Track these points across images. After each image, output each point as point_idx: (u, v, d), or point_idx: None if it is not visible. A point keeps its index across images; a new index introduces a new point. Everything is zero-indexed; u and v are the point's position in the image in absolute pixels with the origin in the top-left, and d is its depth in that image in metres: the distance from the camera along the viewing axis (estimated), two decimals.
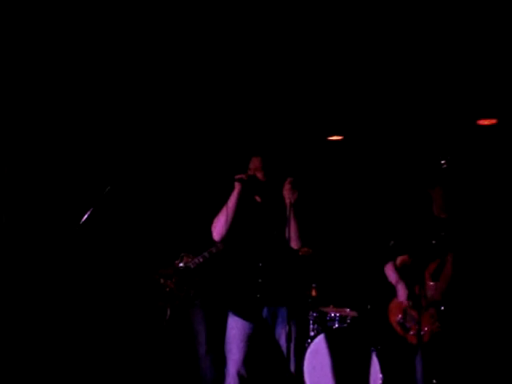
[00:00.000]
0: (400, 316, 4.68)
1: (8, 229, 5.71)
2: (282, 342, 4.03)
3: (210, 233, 4.36)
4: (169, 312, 5.08)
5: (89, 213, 4.71)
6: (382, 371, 4.86)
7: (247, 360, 4.09)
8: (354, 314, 5.66)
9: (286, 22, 4.94)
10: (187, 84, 5.79)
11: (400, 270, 4.88)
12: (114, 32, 4.91)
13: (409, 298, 4.60)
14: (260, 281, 4.04)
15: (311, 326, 5.73)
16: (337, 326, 5.64)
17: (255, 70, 5.61)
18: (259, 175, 4.15)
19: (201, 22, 4.96)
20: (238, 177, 4.10)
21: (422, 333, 4.45)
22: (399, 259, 4.96)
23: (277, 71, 5.65)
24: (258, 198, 4.24)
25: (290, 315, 3.98)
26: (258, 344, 4.13)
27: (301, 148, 6.30)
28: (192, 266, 5.05)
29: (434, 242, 4.62)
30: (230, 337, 4.14)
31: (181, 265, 5.15)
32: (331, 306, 5.90)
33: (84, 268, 5.95)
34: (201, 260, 5.06)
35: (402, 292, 4.66)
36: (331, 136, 6.33)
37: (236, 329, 4.12)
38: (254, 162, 4.19)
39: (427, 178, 4.66)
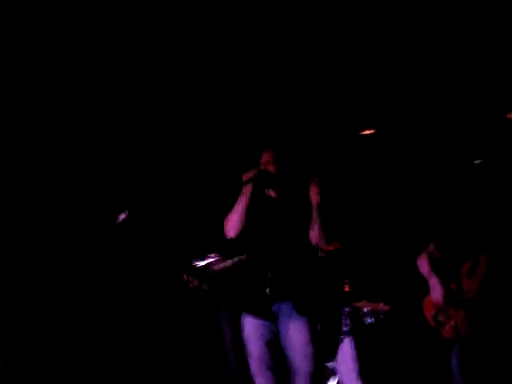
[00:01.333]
0: (434, 311, 4.68)
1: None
2: (286, 338, 3.93)
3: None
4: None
5: (124, 215, 4.82)
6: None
7: (269, 354, 3.96)
8: (387, 308, 5.69)
9: (302, 16, 4.95)
10: (197, 76, 5.80)
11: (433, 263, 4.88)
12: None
13: (445, 295, 4.59)
14: (269, 275, 3.92)
15: (344, 322, 5.76)
16: (369, 321, 5.68)
17: (270, 61, 5.62)
18: (271, 169, 4.02)
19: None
20: (246, 176, 3.98)
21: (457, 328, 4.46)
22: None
23: (290, 63, 5.65)
24: (272, 193, 4.11)
25: (299, 310, 3.89)
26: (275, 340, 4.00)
27: (321, 142, 6.28)
28: (217, 270, 5.07)
29: (468, 240, 4.60)
30: (245, 335, 4.04)
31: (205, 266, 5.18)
32: (364, 301, 5.93)
33: (111, 268, 6.04)
34: (229, 263, 5.06)
35: (438, 292, 4.63)
36: (364, 130, 6.30)
37: (249, 327, 4.02)
38: (266, 156, 4.07)
39: (460, 176, 4.65)
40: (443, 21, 5.01)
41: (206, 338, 5.69)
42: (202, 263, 5.23)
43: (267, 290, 3.91)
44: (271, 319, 3.96)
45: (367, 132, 6.21)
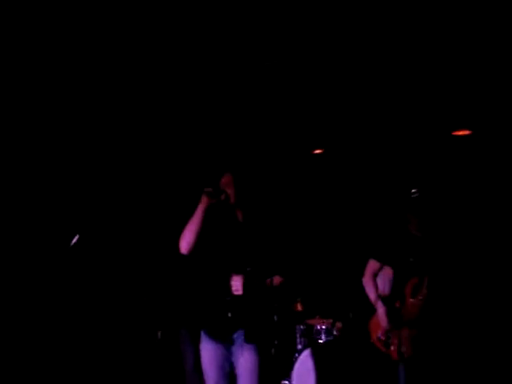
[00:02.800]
0: (380, 332, 4.78)
1: None
2: (239, 367, 4.02)
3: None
4: (160, 335, 5.18)
5: (76, 239, 4.83)
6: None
7: (226, 382, 4.06)
8: (340, 325, 5.79)
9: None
10: (157, 99, 5.83)
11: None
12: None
13: (388, 315, 4.70)
14: (229, 299, 3.99)
15: (298, 340, 5.85)
16: (323, 338, 5.78)
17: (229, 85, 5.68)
18: (229, 191, 4.06)
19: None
20: (203, 194, 4.02)
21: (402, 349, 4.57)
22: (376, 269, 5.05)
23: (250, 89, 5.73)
24: (231, 216, 4.15)
25: (248, 338, 3.98)
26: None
27: (276, 165, 6.35)
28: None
29: (412, 259, 4.71)
30: (203, 358, 4.11)
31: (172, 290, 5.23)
32: (317, 318, 6.02)
33: (75, 289, 6.04)
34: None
35: (381, 312, 4.75)
36: (314, 150, 6.39)
37: (208, 355, 4.08)
38: (225, 178, 4.12)
39: (403, 203, 4.76)
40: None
41: (168, 361, 5.72)
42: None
43: (229, 314, 4.00)
44: (229, 343, 4.04)
45: (317, 151, 6.30)
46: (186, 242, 4.03)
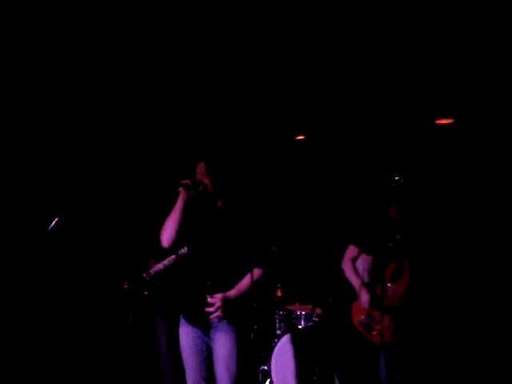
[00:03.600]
0: (363, 317, 4.80)
1: None
2: (213, 350, 4.04)
3: None
4: (131, 316, 5.15)
5: (54, 222, 4.76)
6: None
7: (204, 366, 4.09)
8: (319, 311, 5.79)
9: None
10: (135, 88, 5.79)
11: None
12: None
13: (370, 300, 4.72)
14: (209, 283, 4.01)
15: (277, 325, 5.84)
16: (303, 324, 5.77)
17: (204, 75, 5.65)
18: (205, 180, 4.06)
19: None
20: (180, 186, 4.02)
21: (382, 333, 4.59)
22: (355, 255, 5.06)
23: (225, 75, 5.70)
24: (209, 204, 4.16)
25: (229, 322, 4.01)
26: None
27: (256, 150, 6.35)
28: (152, 274, 5.10)
29: (391, 244, 4.73)
30: (182, 342, 4.14)
31: (143, 274, 5.20)
32: (297, 304, 6.02)
33: (49, 273, 5.97)
34: (161, 267, 5.10)
35: (364, 297, 4.77)
36: (296, 136, 6.38)
37: (186, 339, 4.12)
38: (199, 167, 4.13)
39: (383, 189, 4.77)
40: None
41: (142, 345, 5.69)
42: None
43: (208, 299, 3.98)
44: (207, 328, 4.04)
45: (300, 137, 6.29)
46: (166, 236, 4.04)
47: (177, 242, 4.07)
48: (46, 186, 6.12)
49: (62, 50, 5.13)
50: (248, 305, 4.18)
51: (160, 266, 5.12)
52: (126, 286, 5.25)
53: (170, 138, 6.36)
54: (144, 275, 5.16)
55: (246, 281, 4.03)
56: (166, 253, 5.01)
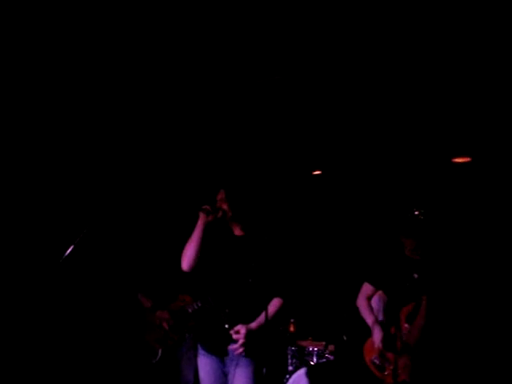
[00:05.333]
0: (375, 356, 4.74)
1: None
2: (233, 380, 4.03)
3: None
4: (160, 353, 5.08)
5: (70, 250, 4.77)
6: None
7: None
8: (332, 348, 5.74)
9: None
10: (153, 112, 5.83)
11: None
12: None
13: (384, 339, 4.66)
14: (227, 311, 4.03)
15: (289, 361, 5.79)
16: (315, 360, 5.72)
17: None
18: (225, 207, 4.12)
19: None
20: (201, 211, 4.10)
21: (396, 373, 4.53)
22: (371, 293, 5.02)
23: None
24: (229, 231, 4.22)
25: (246, 354, 3.99)
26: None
27: (276, 182, 6.36)
28: (189, 311, 5.03)
29: (408, 284, 4.68)
30: (200, 371, 4.16)
31: (175, 309, 5.14)
32: (309, 340, 5.97)
33: (75, 302, 5.97)
34: (199, 305, 5.03)
35: (377, 336, 4.72)
36: (314, 171, 6.38)
37: (204, 370, 4.14)
38: (220, 194, 4.19)
39: (400, 226, 4.75)
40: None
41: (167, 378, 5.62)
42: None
43: (226, 326, 4.01)
44: (224, 356, 4.05)
45: (316, 172, 6.29)
46: (187, 260, 4.12)
47: (196, 267, 4.13)
48: (65, 210, 6.13)
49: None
50: (267, 338, 4.15)
51: (198, 304, 5.04)
52: (157, 322, 5.16)
53: (190, 164, 6.39)
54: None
55: (266, 313, 3.99)
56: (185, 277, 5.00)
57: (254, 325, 3.99)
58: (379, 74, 5.27)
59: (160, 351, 5.08)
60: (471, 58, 4.98)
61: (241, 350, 3.95)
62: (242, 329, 3.95)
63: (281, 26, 4.76)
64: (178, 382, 5.27)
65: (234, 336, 3.96)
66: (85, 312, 5.99)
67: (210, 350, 4.12)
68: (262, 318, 3.98)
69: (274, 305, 4.07)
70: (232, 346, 3.97)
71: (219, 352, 4.07)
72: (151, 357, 5.12)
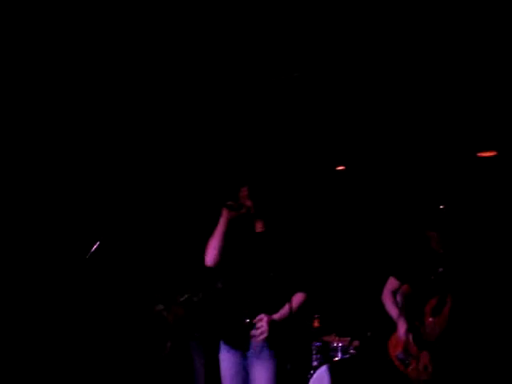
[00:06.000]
0: (399, 351, 4.71)
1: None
2: (252, 375, 4.04)
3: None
4: (169, 345, 5.12)
5: (95, 247, 4.82)
6: None
7: None
8: (357, 343, 5.72)
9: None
10: (174, 111, 5.85)
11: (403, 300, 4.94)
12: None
13: (408, 332, 4.63)
14: (248, 308, 4.03)
15: (314, 357, 5.78)
16: (339, 356, 5.70)
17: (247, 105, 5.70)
18: (248, 203, 4.13)
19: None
20: (224, 207, 4.11)
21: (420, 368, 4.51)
22: (401, 289, 4.99)
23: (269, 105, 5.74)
24: (251, 228, 4.23)
25: (270, 347, 3.98)
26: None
27: (298, 179, 6.35)
28: (195, 300, 5.09)
29: (433, 277, 4.65)
30: (222, 373, 4.15)
31: (182, 299, 5.19)
32: (333, 335, 5.96)
33: (86, 299, 6.01)
34: (201, 296, 5.09)
35: (402, 330, 4.69)
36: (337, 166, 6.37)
37: (226, 365, 4.14)
38: (243, 191, 4.20)
39: (425, 220, 4.72)
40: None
41: (179, 375, 5.66)
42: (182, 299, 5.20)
43: (247, 320, 4.00)
44: (246, 350, 4.04)
45: (340, 168, 6.28)
46: (211, 255, 4.13)
47: (219, 262, 4.14)
48: (86, 207, 6.18)
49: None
50: (290, 332, 4.15)
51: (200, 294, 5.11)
52: (165, 315, 5.23)
53: (213, 162, 6.41)
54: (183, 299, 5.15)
55: (289, 306, 4.01)
56: (208, 273, 5.02)
57: (276, 316, 3.98)
58: (404, 68, 5.24)
59: (169, 345, 5.12)
60: (497, 51, 4.93)
61: (261, 337, 3.93)
62: (264, 317, 3.95)
63: (298, 21, 4.76)
64: (188, 375, 5.30)
65: (257, 324, 3.95)
66: (96, 307, 6.04)
67: (231, 345, 4.12)
68: (284, 311, 3.99)
69: (297, 299, 4.06)
70: (253, 332, 3.96)
71: (241, 346, 4.06)
72: (161, 350, 5.16)
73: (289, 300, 4.01)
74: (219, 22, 4.76)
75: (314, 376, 5.42)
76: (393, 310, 4.84)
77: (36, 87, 5.45)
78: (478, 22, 4.63)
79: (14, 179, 5.82)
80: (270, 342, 3.97)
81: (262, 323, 3.93)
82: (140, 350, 5.81)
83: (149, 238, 6.21)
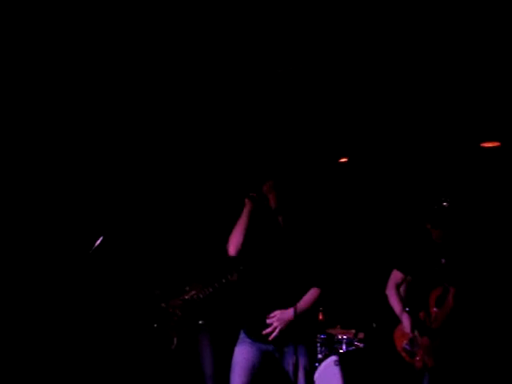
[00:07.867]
0: (405, 342, 4.73)
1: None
2: (291, 371, 4.06)
3: (219, 259, 4.55)
4: (175, 341, 5.12)
5: (99, 241, 4.82)
6: None
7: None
8: (362, 335, 5.73)
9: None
10: (197, 107, 5.84)
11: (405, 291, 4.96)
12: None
13: (413, 326, 4.65)
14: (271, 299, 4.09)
15: (319, 349, 5.79)
16: (344, 348, 5.71)
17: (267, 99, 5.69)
18: (271, 197, 4.21)
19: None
20: (247, 199, 4.23)
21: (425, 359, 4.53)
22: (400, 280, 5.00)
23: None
24: (273, 221, 4.26)
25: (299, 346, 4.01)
26: (264, 373, 4.13)
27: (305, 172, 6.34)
28: (201, 296, 5.10)
29: (436, 269, 4.67)
30: (234, 363, 4.16)
31: (187, 296, 5.19)
32: (338, 327, 5.97)
33: (92, 294, 6.01)
34: (210, 290, 5.10)
35: (406, 323, 4.71)
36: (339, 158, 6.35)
37: (241, 356, 4.14)
38: (267, 185, 4.28)
39: (427, 213, 4.73)
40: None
41: (186, 366, 5.65)
42: (187, 296, 5.20)
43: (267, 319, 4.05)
44: (268, 344, 4.07)
45: (343, 160, 6.26)
46: (234, 245, 4.20)
47: (242, 253, 4.21)
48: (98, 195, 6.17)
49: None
50: (311, 326, 4.26)
51: (209, 289, 5.11)
52: (170, 310, 5.22)
53: (237, 155, 6.40)
54: (190, 295, 5.16)
55: (304, 301, 4.08)
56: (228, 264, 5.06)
57: (289, 311, 4.01)
58: (406, 60, 5.23)
59: (176, 339, 5.13)
60: (499, 42, 4.92)
61: (274, 334, 3.99)
62: (276, 314, 4.02)
63: (300, 15, 4.75)
64: (196, 368, 5.31)
65: (268, 320, 4.01)
66: (100, 303, 6.04)
67: (255, 338, 4.13)
68: (298, 306, 4.02)
69: (312, 294, 4.12)
70: (265, 330, 4.02)
71: (264, 339, 4.08)
72: (168, 345, 5.17)
73: (304, 294, 4.08)
74: (221, 17, 4.75)
75: (320, 368, 5.43)
76: (396, 306, 4.86)
77: (36, 87, 5.44)
78: (478, 15, 4.62)
79: (17, 177, 5.82)
80: (292, 337, 4.01)
81: (273, 319, 4.00)
82: (146, 346, 5.82)
83: (160, 232, 6.19)
